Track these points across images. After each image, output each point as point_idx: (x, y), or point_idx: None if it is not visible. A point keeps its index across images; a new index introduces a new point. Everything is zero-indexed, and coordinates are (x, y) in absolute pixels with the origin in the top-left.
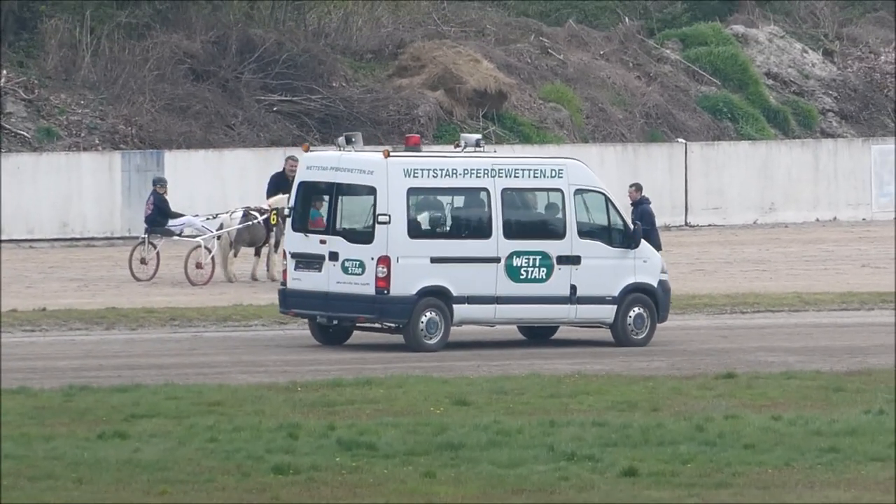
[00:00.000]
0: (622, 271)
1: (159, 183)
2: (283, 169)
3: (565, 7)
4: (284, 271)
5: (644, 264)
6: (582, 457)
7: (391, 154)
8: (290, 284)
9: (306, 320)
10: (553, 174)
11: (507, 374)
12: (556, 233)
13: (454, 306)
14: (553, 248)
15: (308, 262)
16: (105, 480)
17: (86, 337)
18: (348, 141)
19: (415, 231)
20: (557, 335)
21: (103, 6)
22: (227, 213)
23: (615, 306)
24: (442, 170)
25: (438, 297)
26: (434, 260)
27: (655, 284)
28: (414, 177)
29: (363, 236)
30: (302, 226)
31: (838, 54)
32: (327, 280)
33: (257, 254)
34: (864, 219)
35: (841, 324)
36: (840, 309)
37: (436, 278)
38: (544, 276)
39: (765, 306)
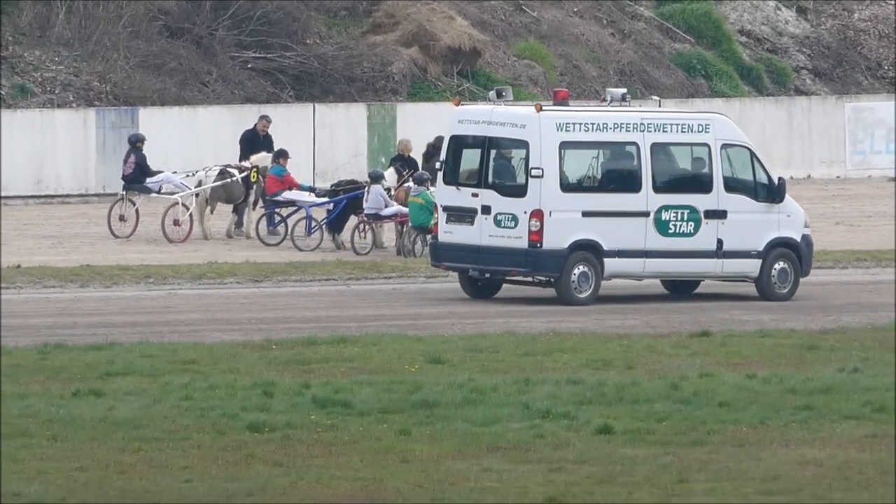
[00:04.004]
0: (767, 226)
1: (140, 140)
2: (255, 126)
3: None
4: (435, 224)
5: (788, 219)
6: (557, 415)
7: (543, 108)
8: (442, 238)
9: (284, 278)
10: (700, 129)
11: (482, 332)
12: (704, 187)
13: (604, 260)
14: (700, 202)
15: (460, 215)
16: (80, 438)
17: (60, 294)
18: (499, 95)
19: (566, 185)
20: (532, 292)
21: None
22: (204, 170)
23: (760, 261)
24: (593, 124)
25: (589, 250)
26: (585, 214)
27: (799, 239)
28: (566, 131)
29: (516, 190)
30: (453, 179)
31: (812, 11)
32: (479, 233)
33: (234, 211)
34: (837, 176)
35: (816, 282)
36: (815, 267)
37: (587, 232)
38: (692, 231)
39: None
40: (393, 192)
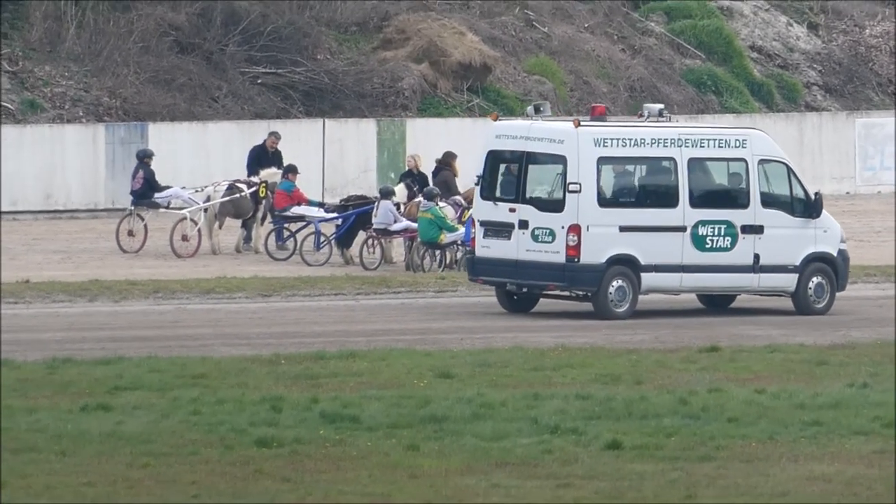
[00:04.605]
0: (803, 241)
1: (148, 156)
2: (264, 142)
3: None
4: (473, 239)
5: (824, 234)
6: (566, 430)
7: (581, 123)
8: (479, 252)
9: (293, 292)
10: (737, 144)
11: (491, 347)
12: (741, 202)
13: (642, 275)
14: (737, 217)
15: (497, 230)
16: (88, 453)
17: (69, 309)
18: (537, 110)
19: (604, 200)
20: (540, 306)
21: None
22: (213, 185)
23: (797, 275)
24: (630, 139)
25: (627, 265)
26: (623, 228)
27: (835, 254)
28: (603, 146)
29: (553, 205)
30: (491, 194)
31: (823, 27)
32: (517, 248)
33: (243, 226)
34: (847, 192)
35: None
36: None
37: (624, 247)
38: (729, 245)
39: None
40: (403, 208)
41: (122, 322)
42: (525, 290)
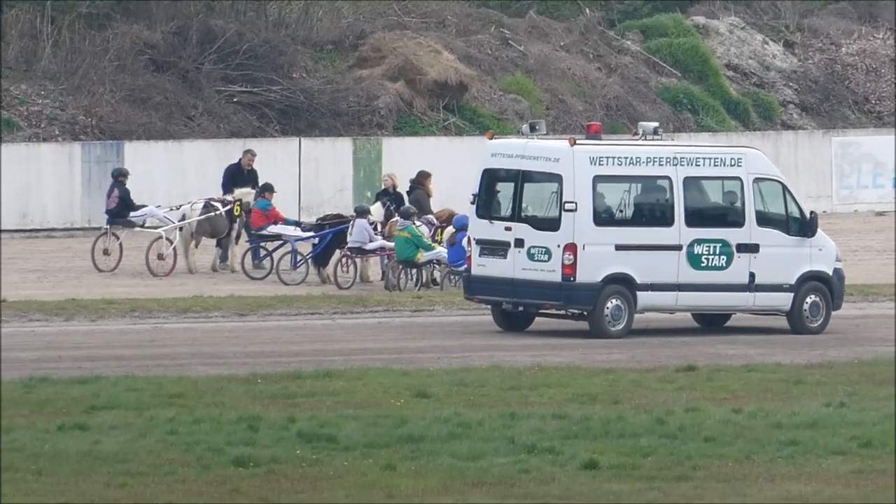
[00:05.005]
0: (799, 259)
1: (123, 174)
2: (240, 161)
3: None
4: (469, 258)
5: (820, 252)
6: (542, 449)
7: (577, 142)
8: (475, 271)
9: (270, 312)
10: (732, 163)
11: (468, 366)
12: (736, 221)
13: (638, 293)
14: (732, 235)
15: (493, 248)
16: (65, 472)
17: (46, 328)
18: (532, 129)
19: (600, 218)
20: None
21: None
22: (188, 203)
23: (792, 294)
24: (626, 158)
25: (623, 284)
26: (618, 247)
27: (831, 272)
28: (599, 164)
29: (549, 223)
30: (486, 212)
31: (799, 46)
32: (513, 266)
33: (219, 245)
34: (824, 211)
35: None
36: None
37: (620, 265)
38: (724, 264)
39: None
40: (380, 228)
41: (98, 341)
42: (521, 308)
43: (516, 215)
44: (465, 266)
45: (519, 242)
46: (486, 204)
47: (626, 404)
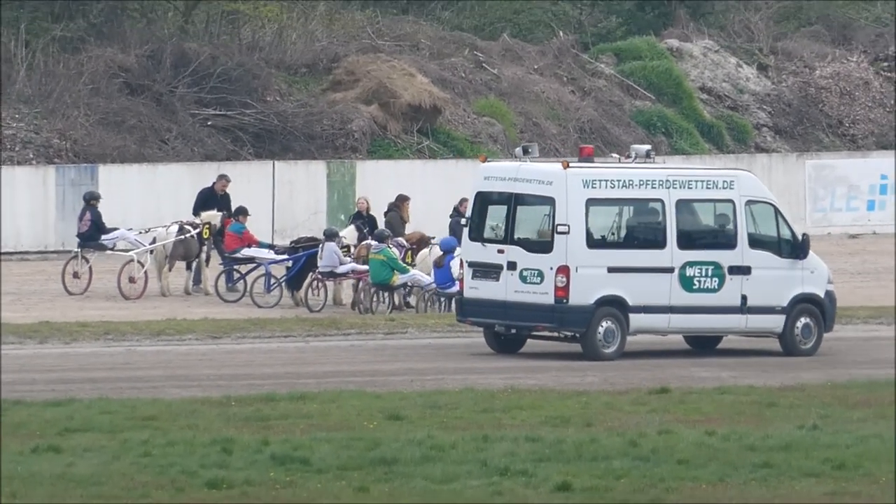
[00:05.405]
0: (791, 282)
1: (94, 198)
2: (213, 186)
3: (499, 21)
4: (461, 281)
5: (811, 275)
6: (515, 472)
7: (570, 165)
8: (468, 293)
9: (243, 334)
10: (725, 185)
11: (441, 388)
12: (728, 243)
13: (630, 315)
14: (725, 258)
15: (485, 271)
16: (39, 495)
17: (19, 351)
18: (525, 151)
19: (592, 241)
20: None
21: (38, 20)
22: (162, 227)
23: (784, 316)
24: (619, 181)
25: (615, 306)
26: (611, 269)
27: (822, 295)
28: (592, 187)
29: (542, 246)
30: (479, 235)
31: (773, 69)
32: (505, 289)
33: (189, 268)
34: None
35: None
36: None
37: (613, 288)
38: (716, 287)
39: None
40: (353, 250)
41: (72, 364)
42: (514, 331)
43: (509, 238)
44: (456, 288)
45: (511, 265)
46: (478, 227)
47: (599, 427)
